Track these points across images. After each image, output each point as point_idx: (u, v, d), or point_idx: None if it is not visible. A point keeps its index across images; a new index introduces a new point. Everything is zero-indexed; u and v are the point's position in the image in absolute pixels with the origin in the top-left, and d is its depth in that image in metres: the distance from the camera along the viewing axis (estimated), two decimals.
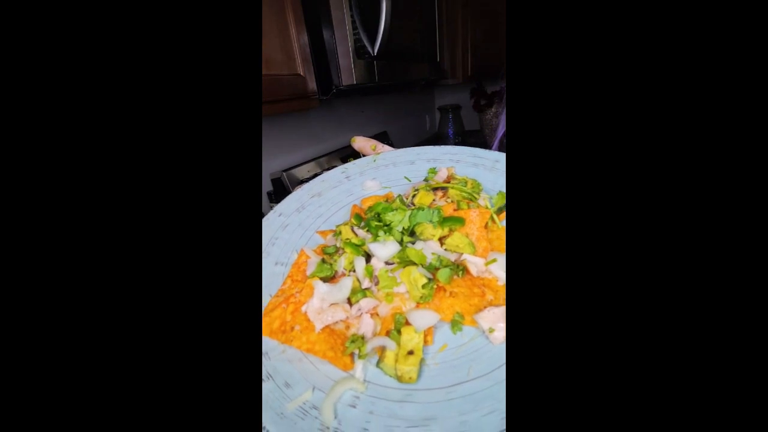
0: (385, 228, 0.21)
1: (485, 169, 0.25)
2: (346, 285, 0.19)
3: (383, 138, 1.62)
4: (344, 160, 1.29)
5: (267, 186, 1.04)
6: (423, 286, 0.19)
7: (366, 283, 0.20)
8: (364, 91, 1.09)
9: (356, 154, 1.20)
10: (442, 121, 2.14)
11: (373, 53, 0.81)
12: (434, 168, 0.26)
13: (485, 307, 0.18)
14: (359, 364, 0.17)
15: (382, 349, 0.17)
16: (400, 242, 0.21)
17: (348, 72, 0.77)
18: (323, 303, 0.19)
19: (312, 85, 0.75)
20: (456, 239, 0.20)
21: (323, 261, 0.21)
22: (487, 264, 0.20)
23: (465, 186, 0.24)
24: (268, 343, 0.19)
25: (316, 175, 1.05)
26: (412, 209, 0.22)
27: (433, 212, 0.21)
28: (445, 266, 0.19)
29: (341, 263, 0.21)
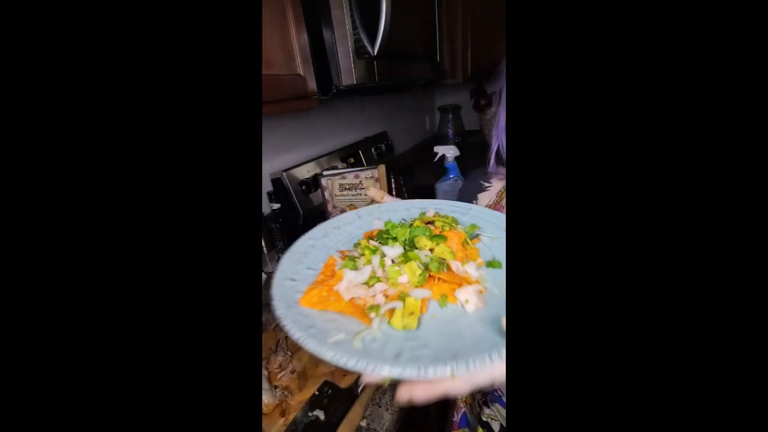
0: (393, 239, 0.32)
1: (460, 213, 0.38)
2: (366, 271, 0.29)
3: (383, 138, 1.62)
4: (344, 160, 1.29)
5: (267, 186, 1.04)
6: (419, 275, 0.28)
7: (379, 273, 0.29)
8: (364, 91, 1.09)
9: (355, 154, 1.20)
10: (442, 121, 2.14)
11: (373, 53, 0.81)
12: (424, 211, 0.39)
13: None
14: (376, 320, 0.26)
15: (391, 312, 0.26)
16: (404, 249, 0.31)
17: (348, 72, 0.77)
18: (350, 284, 0.28)
19: (312, 85, 0.75)
20: (442, 249, 0.30)
21: (348, 259, 0.31)
22: (463, 265, 0.30)
23: (446, 219, 0.35)
24: (309, 310, 0.27)
25: (316, 175, 1.05)
26: (412, 227, 0.32)
27: (426, 229, 0.32)
28: (435, 261, 0.29)
29: (361, 261, 0.30)
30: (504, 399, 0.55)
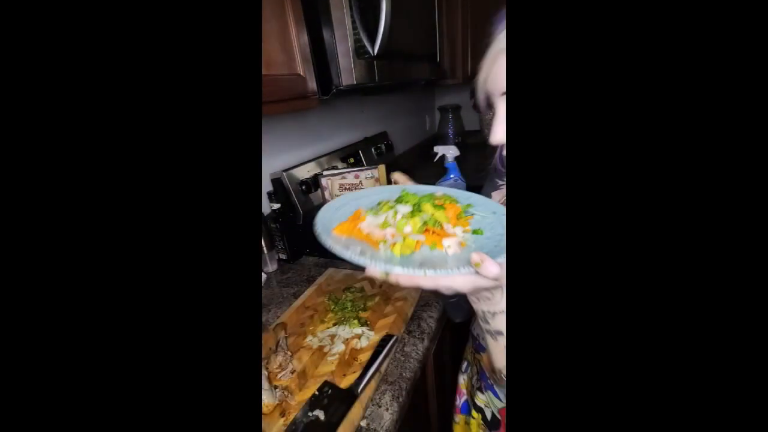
0: (405, 201, 0.42)
1: (464, 198, 0.47)
2: (382, 218, 0.40)
3: (383, 138, 1.62)
4: (344, 160, 1.29)
5: (267, 186, 1.04)
6: (419, 227, 0.38)
7: (391, 221, 0.39)
8: (364, 91, 1.09)
9: (355, 154, 1.20)
10: (442, 121, 2.14)
11: (373, 53, 0.81)
12: (434, 192, 0.48)
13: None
14: (382, 247, 0.36)
15: (394, 244, 0.36)
16: (412, 209, 0.41)
17: (348, 72, 0.77)
18: (369, 225, 0.39)
19: (312, 85, 0.75)
20: (440, 214, 0.40)
21: (371, 210, 0.43)
22: (453, 227, 0.39)
23: (449, 198, 0.46)
24: (340, 237, 0.39)
25: (316, 175, 1.05)
26: (421, 196, 0.44)
27: (431, 198, 0.43)
28: (432, 220, 0.39)
29: (381, 212, 0.41)
30: (494, 388, 0.58)
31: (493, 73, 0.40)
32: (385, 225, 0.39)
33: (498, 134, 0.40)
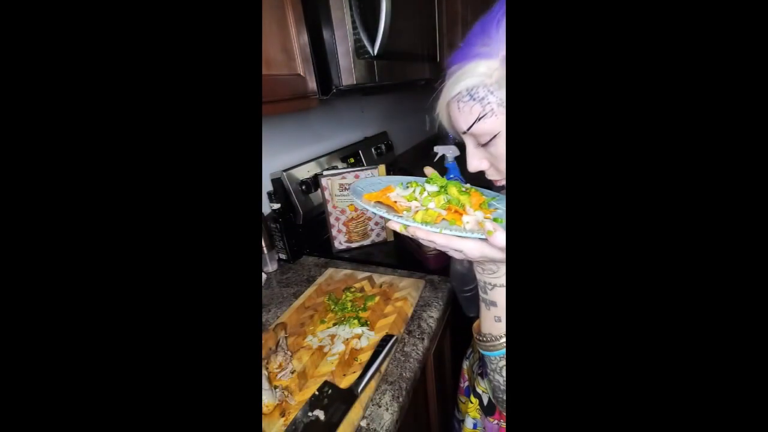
0: (433, 182, 0.45)
1: (488, 195, 0.49)
2: (409, 190, 0.44)
3: (383, 138, 1.62)
4: (344, 160, 1.29)
5: (267, 186, 1.04)
6: (442, 204, 0.41)
7: (417, 196, 0.43)
8: (364, 91, 1.09)
9: (355, 154, 1.20)
10: None
11: (373, 53, 0.81)
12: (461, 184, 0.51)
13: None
14: (405, 213, 0.40)
15: (417, 212, 0.40)
16: (439, 189, 0.44)
17: (348, 72, 0.77)
18: (397, 195, 0.44)
19: (312, 85, 0.75)
20: (464, 198, 0.42)
21: (401, 184, 0.47)
22: (474, 211, 0.41)
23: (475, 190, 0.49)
24: (370, 201, 0.43)
25: (316, 175, 1.05)
26: (449, 181, 0.46)
27: (457, 183, 0.45)
28: (455, 200, 0.41)
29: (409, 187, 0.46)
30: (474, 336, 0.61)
31: (451, 117, 0.43)
32: (410, 197, 0.43)
33: (471, 165, 0.44)
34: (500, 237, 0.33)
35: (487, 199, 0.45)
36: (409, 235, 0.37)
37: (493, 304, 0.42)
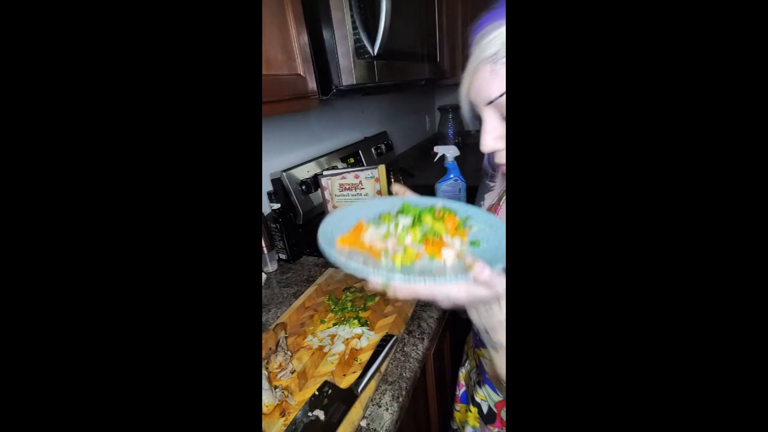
0: (405, 213, 0.44)
1: (462, 211, 0.48)
2: (383, 229, 0.41)
3: (383, 138, 1.62)
4: (344, 160, 1.29)
5: (267, 186, 1.04)
6: (419, 238, 0.40)
7: (392, 233, 0.41)
8: (364, 91, 1.09)
9: (355, 154, 1.19)
10: (442, 121, 2.14)
11: (373, 53, 0.81)
12: (434, 205, 0.49)
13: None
14: (384, 257, 0.37)
15: (395, 255, 0.37)
16: (413, 220, 0.42)
17: (348, 72, 0.77)
18: (372, 236, 0.41)
19: (312, 85, 0.75)
20: (439, 225, 0.42)
21: (373, 221, 0.44)
22: (452, 238, 0.40)
23: (449, 210, 0.48)
24: (343, 248, 0.40)
25: (316, 175, 1.05)
26: (422, 208, 0.46)
27: (431, 210, 0.45)
28: (432, 231, 0.41)
29: (383, 224, 0.43)
30: (492, 382, 0.60)
31: (476, 84, 0.39)
32: (386, 236, 0.41)
33: (486, 143, 0.40)
34: (480, 269, 0.30)
35: (462, 219, 0.45)
36: (392, 298, 0.36)
37: (501, 345, 0.36)
